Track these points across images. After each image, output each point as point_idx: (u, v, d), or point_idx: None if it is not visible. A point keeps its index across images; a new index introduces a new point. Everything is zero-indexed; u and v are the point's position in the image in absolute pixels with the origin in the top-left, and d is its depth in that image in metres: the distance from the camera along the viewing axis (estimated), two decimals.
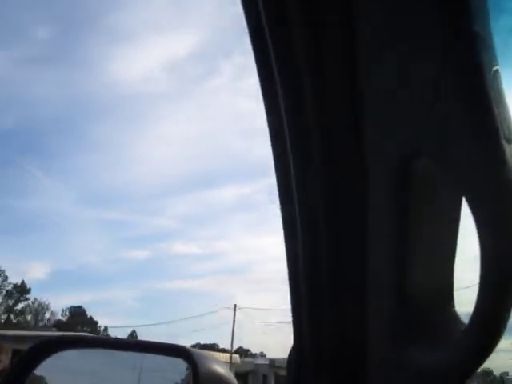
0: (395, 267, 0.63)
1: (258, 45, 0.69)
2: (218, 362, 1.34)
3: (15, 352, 16.82)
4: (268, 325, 68.23)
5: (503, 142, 0.48)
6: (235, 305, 33.95)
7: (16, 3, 56.08)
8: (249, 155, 63.11)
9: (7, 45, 60.79)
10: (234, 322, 33.30)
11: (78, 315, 53.31)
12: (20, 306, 50.42)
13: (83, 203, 66.95)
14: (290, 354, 0.84)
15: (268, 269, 66.87)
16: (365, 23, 0.60)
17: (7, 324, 42.54)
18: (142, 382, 1.53)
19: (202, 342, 46.48)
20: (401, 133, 0.58)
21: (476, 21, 0.49)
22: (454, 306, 0.64)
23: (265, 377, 28.61)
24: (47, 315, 53.15)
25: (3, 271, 47.66)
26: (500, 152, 0.48)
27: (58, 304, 74.30)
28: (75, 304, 54.08)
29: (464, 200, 0.54)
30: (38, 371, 1.38)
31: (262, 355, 44.41)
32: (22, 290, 50.02)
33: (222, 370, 1.23)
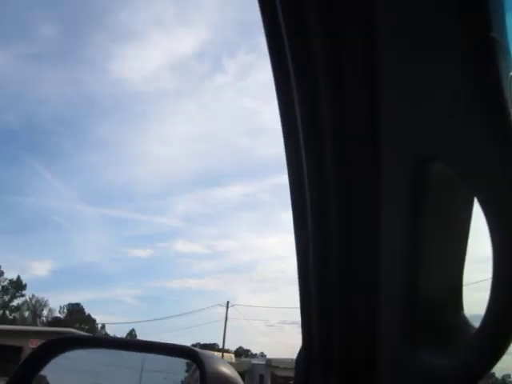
0: (407, 268, 0.63)
1: (276, 54, 0.69)
2: (224, 362, 1.34)
3: None
4: (269, 326, 68.25)
5: None
6: (228, 302, 33.78)
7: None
8: (254, 154, 63.23)
9: (18, 43, 60.55)
10: (226, 319, 33.07)
11: (75, 312, 53.19)
12: (15, 302, 50.32)
13: (84, 202, 67.19)
14: (299, 354, 0.84)
15: (273, 268, 66.95)
16: (384, 33, 0.60)
17: (3, 320, 42.25)
18: (144, 382, 1.52)
19: (202, 342, 46.45)
20: (416, 134, 0.59)
21: (494, 27, 0.49)
22: (464, 306, 0.64)
23: (261, 376, 28.37)
24: (45, 312, 53.30)
25: None
26: None
27: (59, 302, 74.26)
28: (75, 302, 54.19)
29: (475, 201, 0.55)
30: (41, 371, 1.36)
31: (263, 355, 44.35)
32: (17, 285, 49.74)
33: (228, 370, 1.23)
